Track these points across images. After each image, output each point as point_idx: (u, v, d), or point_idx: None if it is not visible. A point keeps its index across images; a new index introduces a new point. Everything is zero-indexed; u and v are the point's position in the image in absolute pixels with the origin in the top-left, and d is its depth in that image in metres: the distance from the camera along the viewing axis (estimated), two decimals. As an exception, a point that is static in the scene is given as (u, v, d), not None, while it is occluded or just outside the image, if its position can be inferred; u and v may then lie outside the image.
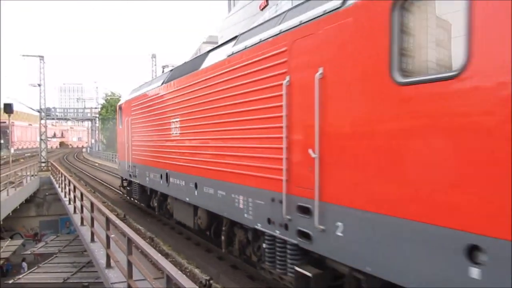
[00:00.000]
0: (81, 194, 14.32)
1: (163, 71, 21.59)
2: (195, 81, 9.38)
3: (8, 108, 33.89)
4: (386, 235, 4.29)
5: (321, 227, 5.22)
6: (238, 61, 7.45)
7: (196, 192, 9.39)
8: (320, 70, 5.23)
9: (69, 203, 18.91)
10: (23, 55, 38.84)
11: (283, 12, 6.75)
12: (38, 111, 40.99)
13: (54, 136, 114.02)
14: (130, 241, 6.96)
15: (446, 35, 4.02)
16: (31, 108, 42.09)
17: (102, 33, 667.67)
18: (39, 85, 39.62)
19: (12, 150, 58.65)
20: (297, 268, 5.73)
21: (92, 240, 11.63)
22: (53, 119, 49.21)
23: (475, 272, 3.36)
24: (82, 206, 14.31)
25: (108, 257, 9.06)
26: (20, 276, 19.51)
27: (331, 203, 5.09)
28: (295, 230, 5.79)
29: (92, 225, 11.49)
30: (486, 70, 3.36)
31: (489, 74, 3.34)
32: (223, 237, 8.68)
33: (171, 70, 12.56)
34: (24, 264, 23.20)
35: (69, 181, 19.62)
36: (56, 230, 30.32)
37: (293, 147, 5.85)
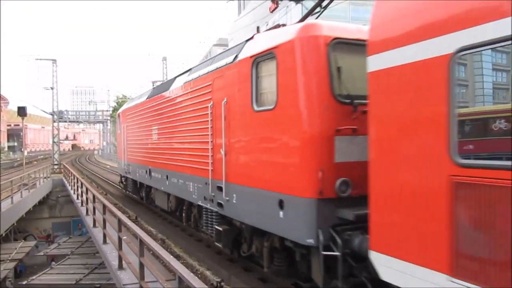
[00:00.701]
0: (93, 196, 14.45)
1: (153, 85, 25.09)
2: (166, 99, 12.44)
3: (21, 111, 34.33)
4: (250, 199, 7.17)
5: (227, 198, 8.03)
6: (188, 87, 10.47)
7: (167, 182, 12.35)
8: (225, 99, 8.07)
9: (82, 205, 19.10)
10: (37, 59, 39.45)
11: (214, 57, 9.90)
12: (51, 114, 41.47)
13: (67, 138, 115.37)
14: (142, 242, 7.01)
15: (274, 84, 6.57)
16: (44, 111, 42.74)
17: (114, 34, 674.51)
18: (52, 88, 40.10)
19: (25, 153, 59.44)
20: (215, 227, 8.66)
21: (104, 241, 11.73)
22: (65, 121, 49.79)
23: (281, 213, 6.25)
24: (94, 208, 14.44)
25: (120, 258, 9.13)
26: (34, 277, 19.73)
27: (230, 183, 7.89)
28: (216, 202, 8.59)
29: (104, 226, 11.60)
30: (284, 106, 6.28)
31: (286, 108, 6.24)
32: (184, 214, 11.86)
33: (153, 88, 16.18)
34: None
35: (82, 183, 19.82)
36: (69, 232, 30.61)
37: (214, 148, 8.64)
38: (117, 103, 71.96)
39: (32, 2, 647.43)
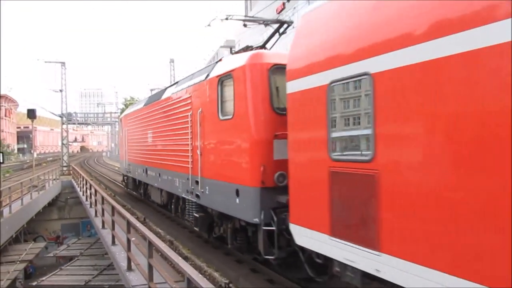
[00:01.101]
0: (102, 198, 14.54)
1: (151, 92, 26.85)
2: (158, 107, 14.39)
3: (31, 114, 34.66)
4: (217, 189, 9.07)
5: (202, 190, 9.85)
6: (174, 98, 12.47)
7: (159, 179, 14.22)
8: (200, 109, 9.94)
9: (90, 206, 19.23)
10: (46, 62, 39.78)
11: (193, 73, 11.81)
12: (60, 116, 41.81)
13: (75, 140, 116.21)
14: (151, 244, 7.04)
15: (232, 99, 8.38)
16: (53, 113, 43.05)
17: (122, 36, 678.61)
18: (61, 90, 40.43)
19: (35, 155, 59.97)
20: (194, 214, 10.60)
21: (113, 243, 11.80)
22: (74, 124, 50.10)
23: (237, 200, 7.99)
24: (103, 210, 14.53)
25: (129, 260, 9.18)
26: (43, 278, 19.89)
27: (204, 177, 9.74)
28: (195, 194, 10.38)
29: (113, 228, 11.66)
30: (239, 116, 8.06)
31: (240, 118, 8.00)
32: (173, 207, 13.57)
33: (149, 96, 18.20)
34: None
35: (90, 185, 19.95)
36: (78, 233, 30.83)
37: (193, 149, 10.47)
38: (125, 105, 72.32)
39: (41, 3, 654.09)
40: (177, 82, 13.52)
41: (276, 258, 7.52)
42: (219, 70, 9.25)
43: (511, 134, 3.45)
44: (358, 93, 5.33)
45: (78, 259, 23.12)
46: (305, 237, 6.28)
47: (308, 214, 6.24)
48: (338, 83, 5.56)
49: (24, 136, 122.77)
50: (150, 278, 7.09)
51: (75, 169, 36.25)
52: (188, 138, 10.85)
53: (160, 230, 13.18)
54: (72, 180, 33.12)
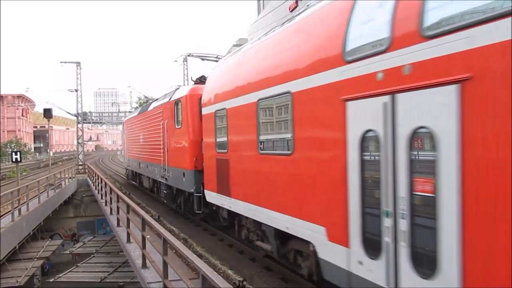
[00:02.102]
0: (117, 196, 14.70)
1: (147, 101, 31.40)
2: (146, 116, 20.03)
3: (47, 113, 35.19)
4: (174, 173, 14.58)
5: (168, 174, 15.39)
6: (154, 111, 18.15)
7: (147, 169, 19.98)
8: (167, 120, 15.53)
9: (106, 204, 19.45)
10: (61, 62, 40.24)
11: (166, 94, 17.38)
12: (76, 116, 42.30)
13: (90, 139, 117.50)
14: (165, 241, 7.09)
15: (181, 115, 14.17)
16: (68, 113, 43.48)
17: (136, 35, 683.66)
18: (76, 90, 40.89)
19: (51, 153, 60.84)
20: (163, 191, 16.71)
21: (128, 240, 11.92)
22: (89, 123, 50.67)
23: (184, 179, 13.46)
24: (118, 208, 14.68)
25: (144, 257, 9.26)
26: (60, 275, 20.21)
27: (169, 166, 15.30)
28: (165, 177, 15.85)
29: (128, 226, 11.77)
30: (184, 126, 13.79)
31: (184, 128, 13.78)
32: (155, 189, 19.52)
33: (142, 106, 25.39)
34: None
35: (105, 183, 20.18)
36: (93, 231, 31.21)
37: (163, 147, 15.90)
38: (139, 104, 72.83)
39: (57, 4, 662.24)
40: (157, 99, 19.50)
41: (203, 212, 12.68)
42: (175, 96, 14.91)
43: None
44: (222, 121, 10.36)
45: (93, 256, 23.42)
46: (209, 196, 11.20)
47: (210, 183, 11.08)
48: (219, 113, 10.36)
49: (40, 135, 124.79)
50: (165, 275, 7.14)
51: (90, 167, 36.68)
52: (161, 139, 16.54)
53: (174, 228, 13.27)
54: (88, 178, 33.53)
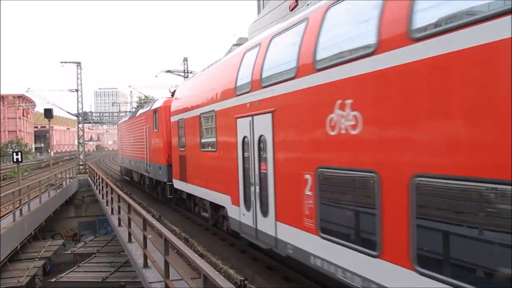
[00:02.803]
0: (118, 196, 14.71)
1: (138, 106, 37.64)
2: (135, 120, 24.64)
3: (48, 113, 35.17)
4: (154, 168, 19.31)
5: (150, 168, 20.14)
6: (139, 117, 23.33)
7: (136, 165, 24.34)
8: (148, 125, 20.43)
9: (107, 204, 19.45)
10: (62, 62, 40.22)
11: (150, 102, 24.02)
12: (76, 116, 42.27)
13: (91, 139, 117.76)
14: (167, 241, 7.09)
15: (158, 122, 19.01)
16: (69, 113, 43.45)
17: (136, 36, 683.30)
18: (77, 90, 40.86)
19: (51, 154, 60.89)
20: (146, 182, 22.26)
21: (129, 240, 11.92)
22: (90, 123, 50.69)
23: (160, 171, 18.02)
24: (119, 207, 14.69)
25: (145, 257, 9.26)
26: (62, 275, 20.22)
27: (150, 162, 19.97)
28: (147, 171, 20.69)
29: (129, 225, 11.78)
30: (159, 130, 18.52)
31: (160, 131, 18.34)
32: (142, 182, 23.79)
33: (132, 112, 31.91)
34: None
35: (106, 183, 20.20)
36: (94, 231, 31.19)
37: (147, 147, 20.62)
38: (139, 104, 72.85)
39: (58, 4, 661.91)
40: (142, 106, 25.68)
41: (173, 197, 16.97)
42: (154, 106, 19.53)
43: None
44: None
45: (95, 256, 23.42)
46: (176, 183, 15.34)
47: (176, 173, 15.04)
48: (180, 122, 14.44)
49: (41, 136, 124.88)
50: (167, 275, 7.15)
51: (91, 168, 36.69)
52: (145, 140, 20.95)
53: (175, 228, 13.28)
54: (89, 178, 33.54)
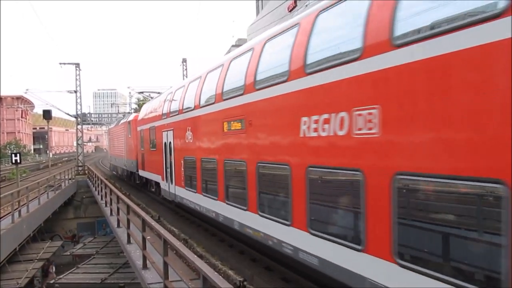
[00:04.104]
0: (117, 197, 14.70)
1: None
2: (118, 128, 34.32)
3: (47, 114, 35.16)
4: (129, 163, 27.19)
5: (127, 163, 28.52)
6: (121, 125, 32.23)
7: (119, 162, 33.26)
8: (125, 132, 29.10)
9: (106, 205, 19.45)
10: (60, 63, 40.20)
11: (127, 115, 35.29)
12: (75, 117, 42.24)
13: (90, 140, 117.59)
14: (166, 242, 7.09)
15: (131, 131, 27.37)
16: (68, 114, 43.42)
17: (135, 37, 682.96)
18: (75, 91, 40.83)
19: (50, 155, 60.82)
20: (125, 173, 31.35)
21: (128, 241, 11.92)
22: (88, 124, 50.70)
23: (133, 166, 26.08)
24: (118, 209, 14.68)
25: (144, 258, 9.26)
26: (61, 276, 20.18)
27: (127, 158, 28.30)
28: (125, 165, 29.43)
29: (128, 227, 11.78)
30: (131, 137, 26.70)
31: (132, 138, 26.48)
32: (123, 175, 32.55)
33: (116, 120, 39.94)
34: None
35: (105, 185, 20.19)
36: (93, 232, 31.18)
37: (125, 148, 29.28)
38: (138, 105, 72.76)
39: (56, 5, 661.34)
40: (125, 116, 33.84)
41: (140, 183, 24.58)
42: (129, 119, 28.05)
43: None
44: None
45: (94, 258, 23.39)
46: (140, 172, 23.18)
47: (142, 165, 22.37)
48: (141, 131, 22.72)
49: (40, 137, 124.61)
50: (166, 276, 7.14)
51: (90, 169, 36.67)
52: (124, 143, 28.82)
53: (174, 229, 13.27)
54: (88, 179, 33.52)
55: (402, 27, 4.94)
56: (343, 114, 5.72)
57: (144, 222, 9.37)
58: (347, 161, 5.76)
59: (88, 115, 48.12)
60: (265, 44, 8.43)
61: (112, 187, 17.84)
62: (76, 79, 40.59)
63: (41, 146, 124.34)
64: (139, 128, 22.55)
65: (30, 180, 33.37)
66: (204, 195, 11.73)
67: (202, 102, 11.81)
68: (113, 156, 38.27)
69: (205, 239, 12.45)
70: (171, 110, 15.31)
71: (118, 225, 14.49)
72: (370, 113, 5.22)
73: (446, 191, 4.52)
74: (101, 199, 22.05)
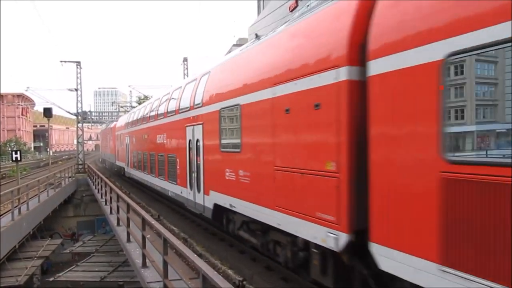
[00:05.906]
0: (117, 196, 14.70)
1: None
2: (107, 131, 42.80)
3: (47, 112, 35.15)
4: (121, 165, 29.70)
5: (111, 157, 36.13)
6: (107, 130, 43.83)
7: (110, 157, 38.33)
8: (110, 134, 37.67)
9: (106, 204, 19.45)
10: (61, 61, 40.17)
11: (112, 122, 41.67)
12: (75, 115, 42.24)
13: (90, 138, 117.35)
14: (166, 241, 7.09)
15: (115, 134, 35.65)
16: (68, 112, 43.40)
17: (136, 35, 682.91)
18: (76, 89, 40.83)
19: (50, 153, 60.84)
20: (115, 169, 35.29)
21: (128, 240, 11.92)
22: (89, 122, 50.73)
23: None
24: (118, 207, 14.68)
25: (144, 256, 9.26)
26: (60, 274, 20.23)
27: (111, 153, 36.29)
28: (110, 158, 38.30)
29: (128, 225, 11.78)
30: (114, 137, 35.24)
31: (117, 137, 33.17)
32: (108, 164, 42.17)
33: (106, 124, 48.85)
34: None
35: (105, 183, 20.19)
36: (93, 230, 31.22)
37: (109, 145, 39.15)
38: (139, 103, 72.76)
39: (57, 3, 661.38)
40: (114, 121, 39.38)
41: (124, 174, 28.09)
42: (111, 126, 38.07)
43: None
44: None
45: (93, 256, 23.43)
46: (117, 162, 31.37)
47: (117, 158, 31.41)
48: (118, 136, 31.57)
49: (40, 135, 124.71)
50: (165, 275, 7.14)
51: (90, 167, 36.71)
52: (112, 142, 35.16)
53: (174, 228, 13.28)
54: (88, 178, 33.54)
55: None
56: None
57: (144, 220, 9.36)
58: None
59: (89, 113, 48.15)
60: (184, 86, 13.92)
61: (112, 186, 17.83)
62: (77, 77, 40.59)
63: (42, 144, 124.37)
64: (117, 133, 31.37)
65: (30, 177, 33.37)
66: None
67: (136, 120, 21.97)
68: (102, 151, 53.04)
69: (205, 238, 12.44)
70: (129, 121, 24.40)
71: (118, 224, 14.48)
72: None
73: None
74: (101, 197, 22.06)
